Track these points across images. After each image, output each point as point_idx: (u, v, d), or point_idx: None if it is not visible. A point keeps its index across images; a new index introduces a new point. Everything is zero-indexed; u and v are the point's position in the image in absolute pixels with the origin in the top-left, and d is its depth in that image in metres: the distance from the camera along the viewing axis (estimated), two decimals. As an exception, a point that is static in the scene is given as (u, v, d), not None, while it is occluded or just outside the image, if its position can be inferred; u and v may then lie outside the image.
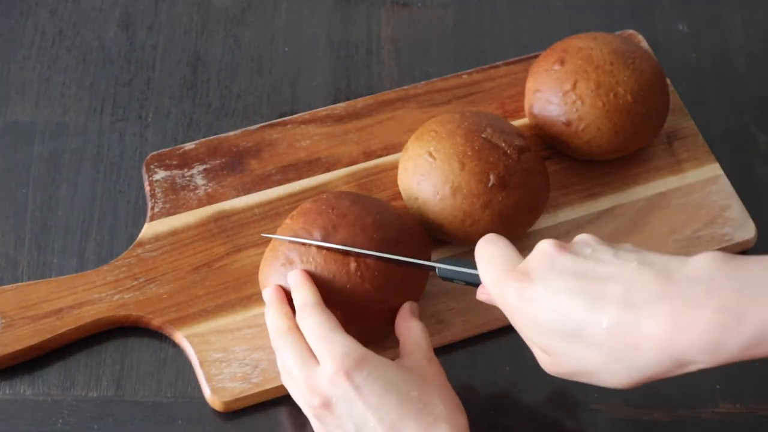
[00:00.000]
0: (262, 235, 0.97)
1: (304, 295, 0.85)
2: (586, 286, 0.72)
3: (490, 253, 0.79)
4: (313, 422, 0.84)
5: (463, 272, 0.85)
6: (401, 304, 0.89)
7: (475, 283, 0.84)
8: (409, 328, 0.87)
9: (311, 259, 0.88)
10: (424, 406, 0.80)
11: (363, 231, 0.89)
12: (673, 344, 0.69)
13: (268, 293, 0.88)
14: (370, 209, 0.91)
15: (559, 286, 0.73)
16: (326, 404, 0.80)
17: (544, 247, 0.75)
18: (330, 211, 0.90)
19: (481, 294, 0.83)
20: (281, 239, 0.90)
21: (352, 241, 0.88)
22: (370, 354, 0.81)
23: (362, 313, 0.88)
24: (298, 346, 0.83)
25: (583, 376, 0.75)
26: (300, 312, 0.85)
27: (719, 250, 0.98)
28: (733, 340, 0.67)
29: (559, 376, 0.77)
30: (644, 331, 0.70)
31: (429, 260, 0.92)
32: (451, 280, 0.86)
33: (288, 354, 0.84)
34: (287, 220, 0.92)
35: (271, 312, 0.87)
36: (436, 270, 0.86)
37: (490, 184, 0.93)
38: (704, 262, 0.70)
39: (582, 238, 0.77)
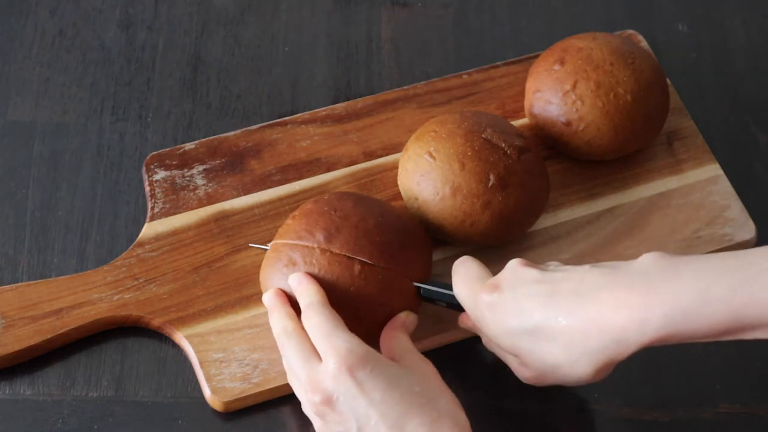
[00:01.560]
0: (251, 245, 0.97)
1: (310, 294, 0.86)
2: (544, 288, 0.81)
3: (464, 272, 0.87)
4: (315, 420, 0.84)
5: (443, 293, 0.89)
6: (404, 307, 0.89)
7: (455, 304, 0.89)
8: (394, 337, 0.87)
9: (314, 261, 0.88)
10: (428, 401, 0.80)
11: (366, 234, 0.89)
12: (612, 325, 0.78)
13: (269, 297, 0.88)
14: (373, 211, 0.91)
15: (523, 291, 0.82)
16: (328, 401, 0.81)
17: (512, 264, 0.85)
18: (332, 212, 0.90)
19: (461, 323, 0.90)
20: (262, 248, 0.91)
21: (354, 244, 0.88)
22: (373, 352, 0.82)
23: (364, 315, 0.88)
24: (301, 345, 0.84)
25: (551, 373, 0.82)
26: (305, 311, 0.85)
27: (719, 250, 0.98)
28: (655, 317, 0.76)
29: (532, 380, 0.85)
30: (590, 316, 0.79)
31: (431, 262, 0.92)
32: (433, 301, 0.91)
33: (292, 353, 0.84)
34: (288, 221, 0.92)
35: (275, 314, 0.87)
36: (420, 291, 0.90)
37: (490, 184, 0.93)
38: (646, 259, 0.79)
39: (547, 262, 0.86)
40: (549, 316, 0.80)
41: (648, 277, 0.78)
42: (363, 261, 0.88)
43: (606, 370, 0.81)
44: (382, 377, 0.80)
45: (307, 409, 0.84)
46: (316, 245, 0.88)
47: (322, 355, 0.82)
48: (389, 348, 0.86)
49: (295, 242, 0.89)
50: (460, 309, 0.89)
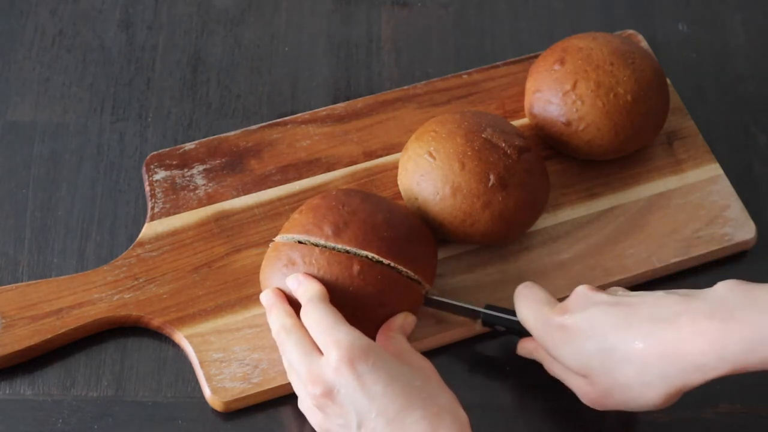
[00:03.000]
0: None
1: (310, 291, 0.86)
2: (619, 311, 0.83)
3: (529, 297, 0.88)
4: (314, 414, 0.84)
5: (505, 318, 0.90)
6: (403, 308, 0.89)
7: (516, 329, 0.90)
8: (391, 337, 0.87)
9: (314, 261, 0.88)
10: (429, 396, 0.81)
11: (374, 229, 0.89)
12: (691, 351, 0.79)
13: (267, 296, 0.88)
14: (380, 207, 0.91)
15: (596, 312, 0.84)
16: (329, 393, 0.81)
17: (581, 289, 0.86)
18: (341, 207, 0.90)
19: (521, 348, 0.91)
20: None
21: (362, 239, 0.88)
22: (375, 345, 0.82)
23: (364, 315, 0.88)
24: (301, 341, 0.84)
25: (618, 394, 0.84)
26: (304, 307, 0.85)
27: (719, 249, 0.98)
28: (734, 344, 0.78)
29: (595, 401, 0.86)
30: (669, 341, 0.80)
31: (437, 259, 0.92)
32: (492, 326, 0.92)
33: (291, 348, 0.84)
34: (295, 215, 0.91)
35: (274, 312, 0.87)
36: (481, 316, 0.92)
37: (490, 184, 0.93)
38: (721, 287, 0.81)
39: (612, 288, 0.88)
40: (625, 339, 0.82)
41: (726, 305, 0.79)
42: (363, 260, 0.88)
43: (675, 397, 0.82)
44: (383, 371, 0.80)
45: (306, 403, 0.85)
46: (323, 239, 0.88)
47: (323, 349, 0.82)
48: (386, 346, 0.86)
49: (301, 236, 0.89)
50: (520, 333, 0.90)
